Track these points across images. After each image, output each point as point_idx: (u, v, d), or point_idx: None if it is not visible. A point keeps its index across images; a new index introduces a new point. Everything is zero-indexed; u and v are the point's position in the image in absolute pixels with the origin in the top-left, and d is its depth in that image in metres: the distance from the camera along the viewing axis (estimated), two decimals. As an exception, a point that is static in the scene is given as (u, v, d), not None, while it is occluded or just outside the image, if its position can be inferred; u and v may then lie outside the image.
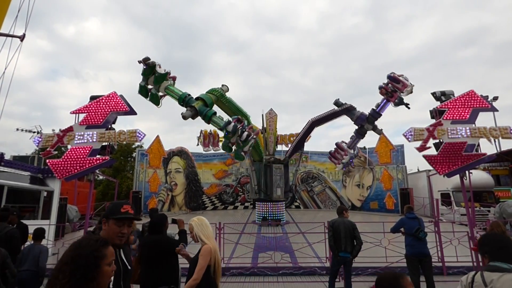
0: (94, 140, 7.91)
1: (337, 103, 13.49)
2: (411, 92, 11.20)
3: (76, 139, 7.92)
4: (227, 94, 12.24)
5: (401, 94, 11.25)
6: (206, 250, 3.10)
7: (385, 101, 12.00)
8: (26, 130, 29.19)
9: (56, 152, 8.07)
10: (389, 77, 11.28)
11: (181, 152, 24.38)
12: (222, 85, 11.98)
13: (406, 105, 11.52)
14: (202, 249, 3.13)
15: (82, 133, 7.95)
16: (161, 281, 3.60)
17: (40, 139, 8.01)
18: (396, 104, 11.67)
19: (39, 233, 5.43)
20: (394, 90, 11.27)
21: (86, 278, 1.39)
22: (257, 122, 17.85)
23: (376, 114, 12.55)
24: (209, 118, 10.19)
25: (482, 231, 10.99)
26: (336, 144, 13.87)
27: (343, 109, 13.37)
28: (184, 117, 9.99)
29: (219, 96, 11.54)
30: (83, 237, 1.62)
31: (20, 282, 4.85)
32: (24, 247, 5.58)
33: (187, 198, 23.69)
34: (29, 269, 5.00)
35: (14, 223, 6.13)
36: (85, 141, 7.89)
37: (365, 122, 12.82)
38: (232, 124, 9.98)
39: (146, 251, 3.80)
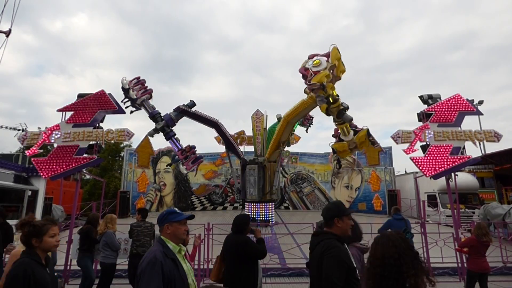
0: (81, 138, 7.78)
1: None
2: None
3: (63, 137, 7.77)
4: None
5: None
6: None
7: None
8: (10, 128, 28.55)
9: (41, 150, 7.91)
10: None
11: (170, 152, 24.19)
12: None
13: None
14: None
15: (69, 131, 7.81)
16: (239, 281, 3.57)
17: (25, 137, 7.83)
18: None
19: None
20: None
21: None
22: (247, 122, 17.90)
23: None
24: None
25: (466, 232, 11.21)
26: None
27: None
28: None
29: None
30: None
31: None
32: None
33: (176, 199, 23.53)
34: None
35: None
36: (72, 139, 7.76)
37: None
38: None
39: (228, 249, 3.79)
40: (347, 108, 9.31)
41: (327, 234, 2.63)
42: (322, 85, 8.24)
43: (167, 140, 11.90)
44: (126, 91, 10.73)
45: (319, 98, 8.88)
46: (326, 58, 8.94)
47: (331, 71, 8.70)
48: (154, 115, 11.43)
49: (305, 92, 11.48)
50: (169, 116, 11.85)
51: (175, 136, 11.84)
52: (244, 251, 3.69)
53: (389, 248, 1.95)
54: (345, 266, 2.35)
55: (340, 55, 9.18)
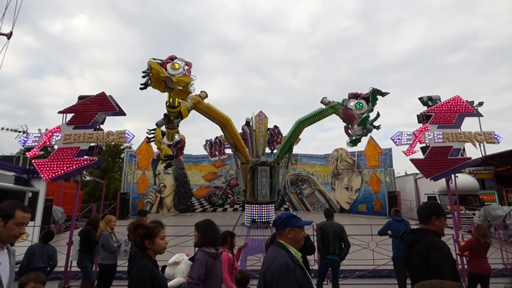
0: (82, 140, 7.80)
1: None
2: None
3: (63, 139, 7.79)
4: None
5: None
6: None
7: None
8: (11, 130, 28.57)
9: (42, 152, 7.92)
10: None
11: (170, 154, 24.21)
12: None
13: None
14: None
15: (70, 133, 7.83)
16: None
17: (26, 139, 7.85)
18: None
19: (50, 235, 5.85)
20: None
21: None
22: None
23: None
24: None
25: (467, 234, 11.21)
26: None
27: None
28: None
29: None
30: None
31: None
32: (32, 246, 5.74)
33: (176, 200, 23.53)
34: (44, 266, 5.42)
35: None
36: (72, 141, 7.77)
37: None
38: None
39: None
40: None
41: (427, 231, 2.80)
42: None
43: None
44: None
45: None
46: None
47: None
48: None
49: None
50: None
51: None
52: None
53: None
54: (451, 259, 2.60)
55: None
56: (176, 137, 11.34)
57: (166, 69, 8.71)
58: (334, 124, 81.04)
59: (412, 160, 8.12)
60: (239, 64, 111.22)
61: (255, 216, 15.52)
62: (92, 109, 8.08)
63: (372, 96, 10.56)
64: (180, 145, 11.72)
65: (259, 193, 15.71)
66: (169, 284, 3.15)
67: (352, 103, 10.65)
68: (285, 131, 16.93)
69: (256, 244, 10.33)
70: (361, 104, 10.67)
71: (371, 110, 10.66)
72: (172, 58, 9.19)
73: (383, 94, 10.80)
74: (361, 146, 24.10)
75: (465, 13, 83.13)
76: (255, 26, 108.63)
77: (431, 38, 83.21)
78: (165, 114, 10.21)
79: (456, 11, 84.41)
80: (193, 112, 12.02)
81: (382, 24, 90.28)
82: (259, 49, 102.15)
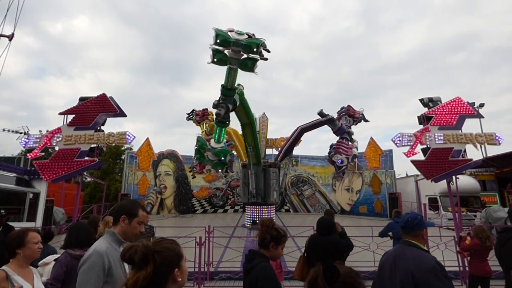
0: (83, 141, 7.81)
1: (321, 113, 14.26)
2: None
3: (64, 140, 7.81)
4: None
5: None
6: None
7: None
8: (12, 131, 28.62)
9: (43, 153, 7.94)
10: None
11: (171, 155, 24.23)
12: (238, 85, 10.30)
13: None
14: None
15: (71, 134, 7.85)
16: None
17: (27, 140, 7.88)
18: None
19: (50, 235, 5.81)
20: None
21: None
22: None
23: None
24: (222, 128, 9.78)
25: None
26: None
27: (326, 120, 14.31)
28: (218, 115, 9.18)
29: (240, 95, 10.65)
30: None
31: None
32: None
33: (176, 201, 23.53)
34: None
35: (1, 224, 6.10)
36: (73, 142, 7.79)
37: (346, 134, 14.01)
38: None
39: (315, 250, 3.80)
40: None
41: None
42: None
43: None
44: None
45: None
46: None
47: None
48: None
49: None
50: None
51: None
52: (336, 250, 3.78)
53: None
54: None
55: None
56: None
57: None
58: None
59: (413, 161, 8.12)
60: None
61: (256, 217, 15.50)
62: (93, 111, 8.10)
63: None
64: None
65: (271, 194, 15.76)
66: None
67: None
68: (286, 132, 16.95)
69: (256, 245, 10.30)
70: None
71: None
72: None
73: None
74: (362, 147, 24.11)
75: (467, 14, 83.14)
76: (256, 26, 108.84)
77: (432, 38, 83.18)
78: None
79: (458, 12, 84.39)
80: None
81: (383, 25, 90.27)
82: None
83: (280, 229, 2.67)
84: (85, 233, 3.38)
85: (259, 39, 7.89)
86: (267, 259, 2.51)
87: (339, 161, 13.20)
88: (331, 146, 14.04)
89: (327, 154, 14.48)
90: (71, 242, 3.20)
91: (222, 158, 9.67)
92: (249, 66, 8.09)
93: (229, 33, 7.75)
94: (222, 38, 7.66)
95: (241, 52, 7.85)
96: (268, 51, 8.36)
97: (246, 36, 7.88)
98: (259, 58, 8.01)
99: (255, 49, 7.83)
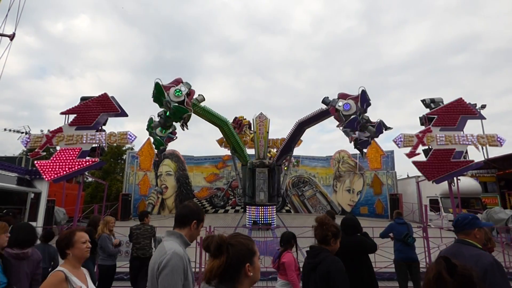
0: (84, 141, 7.82)
1: (325, 101, 11.89)
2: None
3: (66, 140, 7.82)
4: (203, 103, 12.56)
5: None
6: None
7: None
8: (14, 131, 28.69)
9: (44, 153, 7.95)
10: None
11: (172, 155, 24.25)
12: (198, 95, 11.98)
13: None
14: None
15: (72, 134, 7.86)
16: (360, 277, 3.62)
17: (28, 140, 7.89)
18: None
19: (50, 235, 5.86)
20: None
21: None
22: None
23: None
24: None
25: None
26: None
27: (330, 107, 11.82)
28: (153, 128, 10.63)
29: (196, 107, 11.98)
30: None
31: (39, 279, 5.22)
32: (34, 247, 5.70)
33: (177, 201, 23.54)
34: (46, 267, 5.34)
35: (10, 224, 6.14)
36: (75, 142, 7.80)
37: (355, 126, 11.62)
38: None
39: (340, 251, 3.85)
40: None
41: None
42: None
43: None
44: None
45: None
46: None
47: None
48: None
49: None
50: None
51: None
52: (362, 249, 3.82)
53: None
54: None
55: None
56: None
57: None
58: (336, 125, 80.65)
59: (414, 162, 8.10)
60: (241, 65, 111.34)
61: (256, 218, 15.51)
62: (94, 110, 8.11)
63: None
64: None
65: (257, 195, 15.74)
66: None
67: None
68: (286, 133, 16.87)
69: (257, 245, 10.30)
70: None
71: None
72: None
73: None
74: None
75: (469, 15, 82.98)
76: (257, 26, 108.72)
77: (434, 39, 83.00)
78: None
79: (459, 12, 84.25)
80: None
81: (384, 25, 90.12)
82: (261, 50, 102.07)
83: (336, 224, 2.94)
84: (26, 233, 3.47)
85: (187, 108, 9.03)
86: (330, 253, 2.71)
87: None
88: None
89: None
90: (11, 241, 3.30)
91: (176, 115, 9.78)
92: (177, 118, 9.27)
93: (167, 92, 8.92)
94: (157, 95, 8.83)
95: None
96: (200, 97, 11.02)
97: (182, 99, 8.93)
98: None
99: (179, 117, 9.03)
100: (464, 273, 1.46)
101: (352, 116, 9.83)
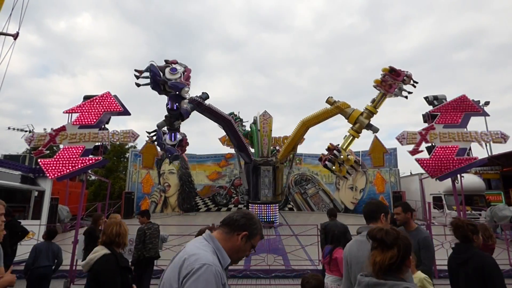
0: (87, 140, 7.85)
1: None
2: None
3: (69, 138, 7.85)
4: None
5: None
6: None
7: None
8: (17, 129, 28.83)
9: (48, 151, 7.99)
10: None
11: (174, 153, 24.24)
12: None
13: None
14: None
15: (75, 132, 7.89)
16: None
17: (32, 138, 7.92)
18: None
19: (53, 233, 5.90)
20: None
21: None
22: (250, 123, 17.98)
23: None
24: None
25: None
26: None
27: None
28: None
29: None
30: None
31: (42, 276, 5.37)
32: (37, 245, 5.74)
33: (180, 200, 23.59)
34: (49, 264, 5.49)
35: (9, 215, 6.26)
36: (78, 140, 7.83)
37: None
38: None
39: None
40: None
41: None
42: None
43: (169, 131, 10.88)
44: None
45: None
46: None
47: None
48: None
49: (327, 102, 12.21)
50: (186, 109, 10.12)
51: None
52: None
53: None
54: None
55: None
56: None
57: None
58: (339, 124, 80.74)
59: (417, 159, 8.07)
60: (243, 63, 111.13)
61: (259, 216, 15.51)
62: (97, 109, 8.13)
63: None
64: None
65: (261, 193, 15.74)
66: None
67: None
68: (290, 130, 16.86)
69: (260, 243, 10.32)
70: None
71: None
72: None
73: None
74: (366, 145, 24.04)
75: (472, 10, 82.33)
76: (259, 24, 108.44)
77: (438, 35, 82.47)
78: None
79: (463, 8, 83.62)
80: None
81: (388, 22, 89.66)
82: (263, 47, 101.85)
83: (471, 221, 3.12)
84: None
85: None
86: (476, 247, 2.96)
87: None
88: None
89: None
90: None
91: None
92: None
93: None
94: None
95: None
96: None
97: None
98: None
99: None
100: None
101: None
